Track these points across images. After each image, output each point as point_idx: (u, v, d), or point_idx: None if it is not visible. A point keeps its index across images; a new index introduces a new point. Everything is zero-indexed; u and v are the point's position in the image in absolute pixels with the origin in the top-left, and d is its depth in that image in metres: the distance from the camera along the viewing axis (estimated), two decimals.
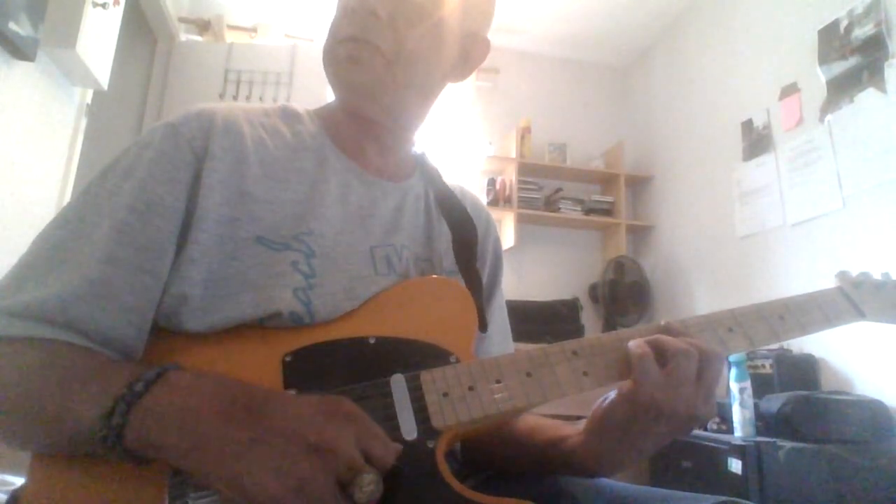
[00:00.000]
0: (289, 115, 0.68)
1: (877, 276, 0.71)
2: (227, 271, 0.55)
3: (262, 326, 0.54)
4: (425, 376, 0.51)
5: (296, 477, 0.39)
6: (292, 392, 0.49)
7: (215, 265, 0.54)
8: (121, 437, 0.42)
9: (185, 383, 0.45)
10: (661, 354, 0.53)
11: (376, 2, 0.62)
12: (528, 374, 0.53)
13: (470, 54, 0.72)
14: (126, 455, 0.43)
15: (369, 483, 0.40)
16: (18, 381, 0.47)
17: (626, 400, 0.53)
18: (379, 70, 0.63)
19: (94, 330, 0.49)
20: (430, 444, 0.49)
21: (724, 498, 0.55)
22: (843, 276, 0.71)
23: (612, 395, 0.55)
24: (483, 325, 0.64)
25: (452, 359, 0.54)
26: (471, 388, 0.51)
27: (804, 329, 0.63)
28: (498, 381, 0.52)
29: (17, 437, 0.48)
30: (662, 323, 0.58)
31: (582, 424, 0.59)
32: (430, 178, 0.75)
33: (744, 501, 0.55)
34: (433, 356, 0.54)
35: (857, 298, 0.68)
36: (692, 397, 0.52)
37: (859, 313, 0.67)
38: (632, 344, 0.54)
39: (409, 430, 0.49)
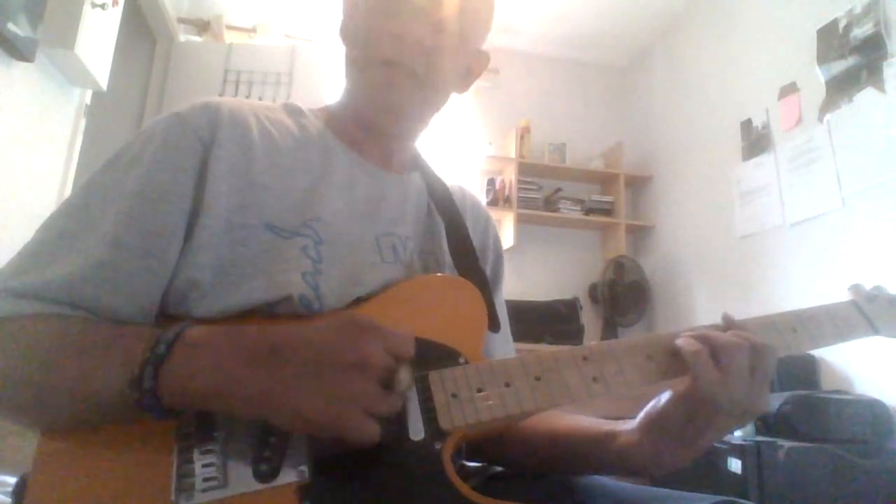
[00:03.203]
0: (293, 111, 0.69)
1: (890, 290, 0.70)
2: (236, 257, 0.55)
3: (271, 315, 0.54)
4: (434, 376, 0.51)
5: (347, 394, 0.43)
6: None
7: (224, 251, 0.55)
8: (155, 397, 0.44)
9: (204, 339, 0.46)
10: (712, 349, 0.53)
11: (423, 32, 0.63)
12: (538, 378, 0.52)
13: (473, 68, 0.75)
14: (165, 413, 0.44)
15: (405, 374, 0.46)
16: (33, 355, 0.47)
17: (685, 397, 0.53)
18: (410, 93, 0.65)
19: (100, 312, 0.50)
20: (437, 446, 0.49)
21: (724, 498, 0.55)
22: (856, 289, 0.69)
23: (667, 394, 0.55)
24: (494, 325, 0.64)
25: (461, 359, 0.54)
26: (479, 390, 0.51)
27: (816, 342, 0.62)
28: (507, 384, 0.52)
29: (40, 414, 0.48)
30: (721, 317, 0.58)
31: (631, 423, 0.59)
32: (429, 176, 0.76)
33: (744, 501, 0.55)
34: (442, 356, 0.54)
35: (871, 313, 0.67)
36: (748, 390, 0.52)
37: (873, 328, 0.66)
38: (681, 341, 0.54)
39: (416, 431, 0.48)
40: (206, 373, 0.44)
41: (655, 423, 0.56)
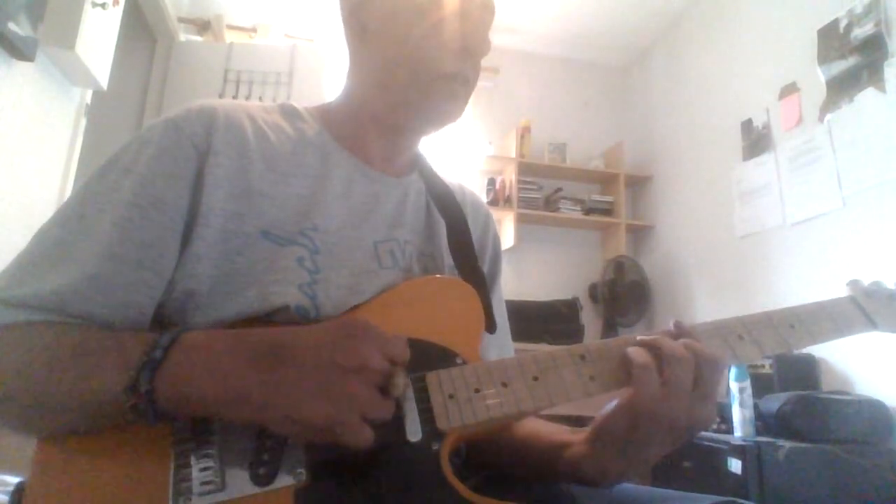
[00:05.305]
0: (289, 112, 0.68)
1: (889, 285, 0.70)
2: (234, 266, 0.55)
3: (269, 322, 0.54)
4: (431, 377, 0.51)
5: (345, 396, 0.43)
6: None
7: (221, 260, 0.55)
8: (152, 401, 0.43)
9: (201, 341, 0.46)
10: (658, 360, 0.51)
11: (484, 43, 0.66)
12: (535, 378, 0.52)
13: None
14: (160, 417, 0.44)
15: (401, 379, 0.46)
16: (29, 362, 0.47)
17: (626, 409, 0.51)
18: (466, 101, 0.68)
19: (94, 324, 0.50)
20: (435, 446, 0.49)
21: (724, 498, 0.55)
22: (854, 284, 0.69)
23: (613, 404, 0.54)
24: (491, 326, 0.64)
25: (458, 360, 0.54)
26: (477, 391, 0.51)
27: (815, 339, 0.62)
28: (504, 384, 0.52)
29: (37, 422, 0.48)
30: (672, 323, 0.56)
31: (584, 432, 0.58)
32: (429, 175, 0.76)
33: (744, 501, 0.55)
34: (439, 357, 0.54)
35: (870, 308, 0.66)
36: (688, 405, 0.50)
37: (871, 323, 0.65)
38: (631, 351, 0.52)
39: (414, 432, 0.48)
40: (203, 374, 0.44)
41: (600, 433, 0.55)
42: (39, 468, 0.46)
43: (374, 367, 0.44)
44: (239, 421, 0.45)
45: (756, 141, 2.68)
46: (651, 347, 0.52)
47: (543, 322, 3.04)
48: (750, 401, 1.88)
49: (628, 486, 0.64)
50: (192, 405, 0.44)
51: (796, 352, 2.18)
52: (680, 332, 0.55)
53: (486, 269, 0.76)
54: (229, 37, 3.11)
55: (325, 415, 0.42)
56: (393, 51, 0.65)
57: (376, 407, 0.44)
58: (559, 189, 3.49)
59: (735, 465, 1.75)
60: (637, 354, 0.52)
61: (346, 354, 0.44)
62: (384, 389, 0.45)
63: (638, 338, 0.55)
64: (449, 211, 0.72)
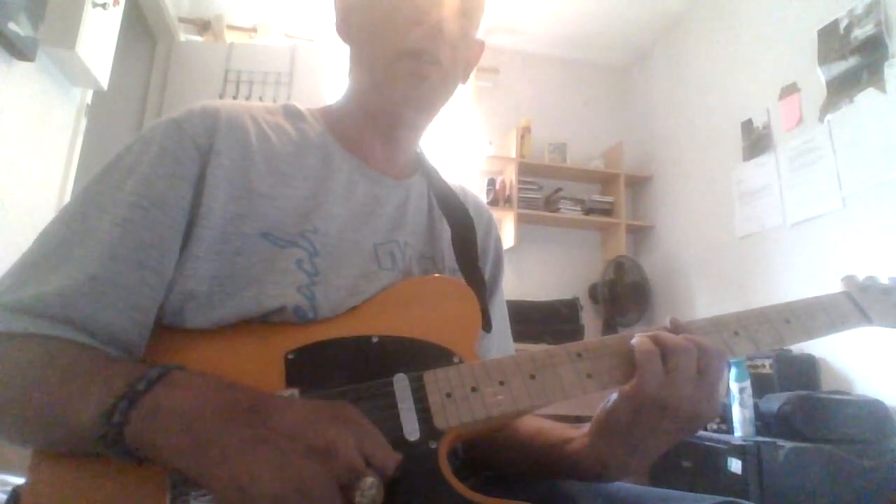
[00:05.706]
0: (292, 113, 0.68)
1: (884, 280, 0.71)
2: (233, 268, 0.55)
3: (266, 322, 0.54)
4: (428, 376, 0.51)
5: (297, 477, 0.39)
6: (294, 392, 0.50)
7: (220, 262, 0.55)
8: (121, 435, 0.42)
9: (188, 383, 0.45)
10: (663, 351, 0.52)
11: (444, 17, 0.62)
12: (532, 376, 0.52)
13: (472, 58, 0.74)
14: (125, 454, 0.43)
15: (371, 487, 0.40)
16: (18, 378, 0.47)
17: (630, 398, 0.52)
18: (438, 84, 0.64)
19: (96, 327, 0.49)
20: (433, 445, 0.49)
21: (724, 498, 0.55)
22: (849, 280, 0.69)
23: (615, 395, 0.54)
24: (487, 326, 0.64)
25: (456, 359, 0.54)
26: (474, 389, 0.51)
27: (810, 334, 0.62)
28: (501, 383, 0.52)
29: (17, 434, 0.48)
30: (668, 321, 0.57)
31: (586, 427, 0.58)
32: (431, 176, 0.76)
33: (744, 501, 0.55)
34: (436, 356, 0.54)
35: (864, 303, 0.67)
36: (694, 395, 0.51)
37: (866, 318, 0.66)
38: (636, 341, 0.54)
39: (412, 431, 0.49)
40: (178, 411, 0.42)
41: (603, 425, 0.55)
42: (38, 470, 0.46)
43: (342, 458, 0.40)
44: (191, 474, 0.41)
45: (756, 141, 2.68)
46: (652, 338, 0.53)
47: (544, 322, 3.04)
48: (750, 401, 1.88)
49: (627, 486, 0.64)
50: (153, 450, 0.42)
51: (796, 351, 2.19)
52: (676, 328, 0.56)
53: (488, 272, 0.76)
54: (229, 37, 3.12)
55: (269, 491, 0.38)
56: (368, 43, 0.66)
57: (327, 503, 0.39)
58: (559, 189, 3.49)
59: (735, 465, 1.75)
60: (642, 342, 0.53)
61: (318, 432, 0.41)
62: (348, 489, 0.40)
63: (636, 334, 0.55)
64: (454, 213, 0.72)
